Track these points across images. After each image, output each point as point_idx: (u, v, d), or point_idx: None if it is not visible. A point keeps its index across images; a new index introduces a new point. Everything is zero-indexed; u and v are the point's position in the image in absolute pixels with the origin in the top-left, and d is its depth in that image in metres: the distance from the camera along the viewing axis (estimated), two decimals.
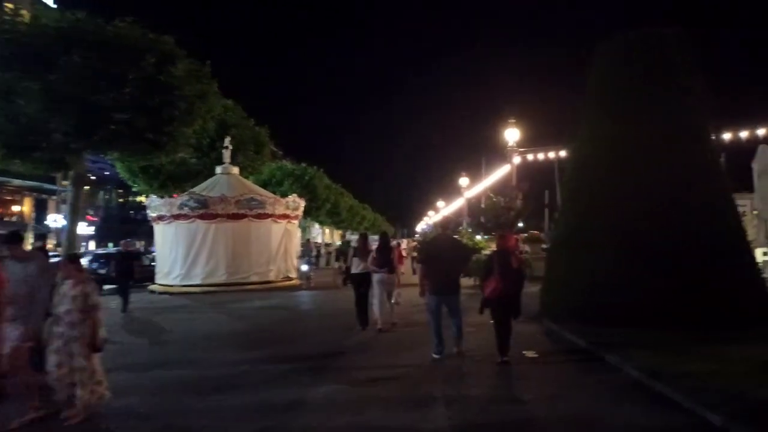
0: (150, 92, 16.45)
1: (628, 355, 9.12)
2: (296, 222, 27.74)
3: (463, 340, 10.06)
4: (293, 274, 26.37)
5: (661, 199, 11.67)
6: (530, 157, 31.08)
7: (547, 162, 32.37)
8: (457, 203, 47.66)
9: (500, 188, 29.41)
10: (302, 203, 27.85)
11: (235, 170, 27.03)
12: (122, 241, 20.81)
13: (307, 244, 32.52)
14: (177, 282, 23.73)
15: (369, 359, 10.13)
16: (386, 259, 12.71)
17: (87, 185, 61.67)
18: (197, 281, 23.57)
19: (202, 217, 23.66)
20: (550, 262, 14.09)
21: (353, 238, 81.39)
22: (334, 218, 56.04)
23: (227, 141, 26.60)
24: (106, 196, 65.89)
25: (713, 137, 13.96)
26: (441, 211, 64.61)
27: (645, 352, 9.25)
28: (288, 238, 26.10)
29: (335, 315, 15.59)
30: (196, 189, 25.41)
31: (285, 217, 25.83)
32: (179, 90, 17.18)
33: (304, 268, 25.40)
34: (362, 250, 13.45)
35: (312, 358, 10.17)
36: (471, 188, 44.72)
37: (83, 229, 56.45)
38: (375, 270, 12.78)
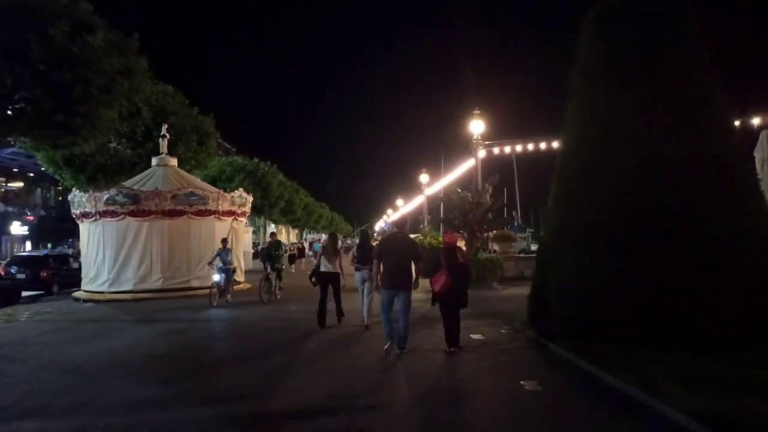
0: (59, 66, 13.86)
1: (657, 387, 6.99)
2: (243, 219, 25.17)
3: (408, 340, 10.27)
4: (241, 278, 23.85)
5: (673, 191, 9.63)
6: (496, 150, 29.16)
7: (509, 156, 30.77)
8: (418, 200, 45.86)
9: (465, 183, 27.57)
10: (250, 198, 25.28)
11: (173, 162, 24.24)
12: None
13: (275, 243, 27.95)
14: (105, 288, 20.93)
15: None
16: (368, 256, 12.61)
17: (21, 181, 58.51)
18: (128, 287, 20.79)
19: (133, 214, 20.92)
20: (539, 266, 11.83)
21: (313, 237, 79.74)
22: (288, 216, 53.56)
23: (164, 129, 23.80)
24: (46, 194, 62.26)
25: (735, 120, 11.68)
26: (401, 209, 62.61)
27: (679, 384, 7.04)
28: (235, 237, 23.51)
29: (281, 328, 13.49)
30: (128, 182, 22.61)
31: (231, 213, 23.24)
32: (97, 64, 14.60)
33: (216, 278, 18.32)
34: (331, 249, 13.60)
35: (247, 397, 7.76)
36: (431, 185, 42.79)
37: (16, 229, 52.94)
38: (359, 267, 13.21)
